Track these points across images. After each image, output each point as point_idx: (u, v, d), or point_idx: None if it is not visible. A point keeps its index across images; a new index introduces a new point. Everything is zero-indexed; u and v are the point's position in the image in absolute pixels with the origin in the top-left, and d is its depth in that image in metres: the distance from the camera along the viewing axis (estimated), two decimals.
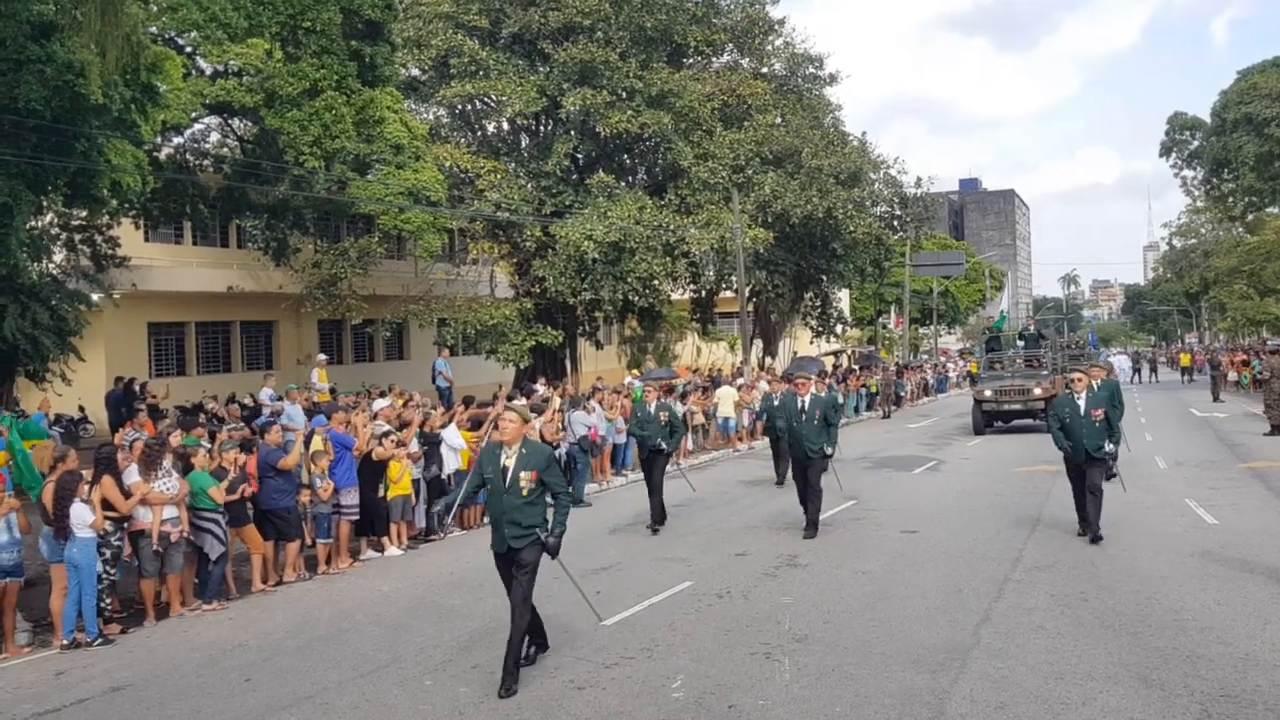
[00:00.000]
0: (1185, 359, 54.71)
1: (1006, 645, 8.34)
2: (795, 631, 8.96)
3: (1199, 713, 6.70)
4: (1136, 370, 57.79)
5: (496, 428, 15.91)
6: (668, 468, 15.38)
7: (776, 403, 19.18)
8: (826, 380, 27.58)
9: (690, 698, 7.35)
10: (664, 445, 14.90)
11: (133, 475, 10.27)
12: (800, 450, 13.62)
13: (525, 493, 7.80)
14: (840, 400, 20.16)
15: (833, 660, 8.10)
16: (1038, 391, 26.73)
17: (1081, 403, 12.50)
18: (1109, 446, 12.49)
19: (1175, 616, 9.01)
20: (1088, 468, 12.39)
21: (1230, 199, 49.59)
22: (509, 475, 7.83)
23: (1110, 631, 8.63)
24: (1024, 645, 8.32)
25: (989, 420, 27.87)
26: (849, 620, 9.30)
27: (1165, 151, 49.01)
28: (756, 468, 21.82)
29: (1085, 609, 9.35)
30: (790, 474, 15.22)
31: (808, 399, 13.74)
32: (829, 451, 13.56)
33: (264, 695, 7.81)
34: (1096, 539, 12.12)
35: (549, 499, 8.04)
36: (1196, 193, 52.01)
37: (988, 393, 27.92)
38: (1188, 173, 49.11)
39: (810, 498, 13.56)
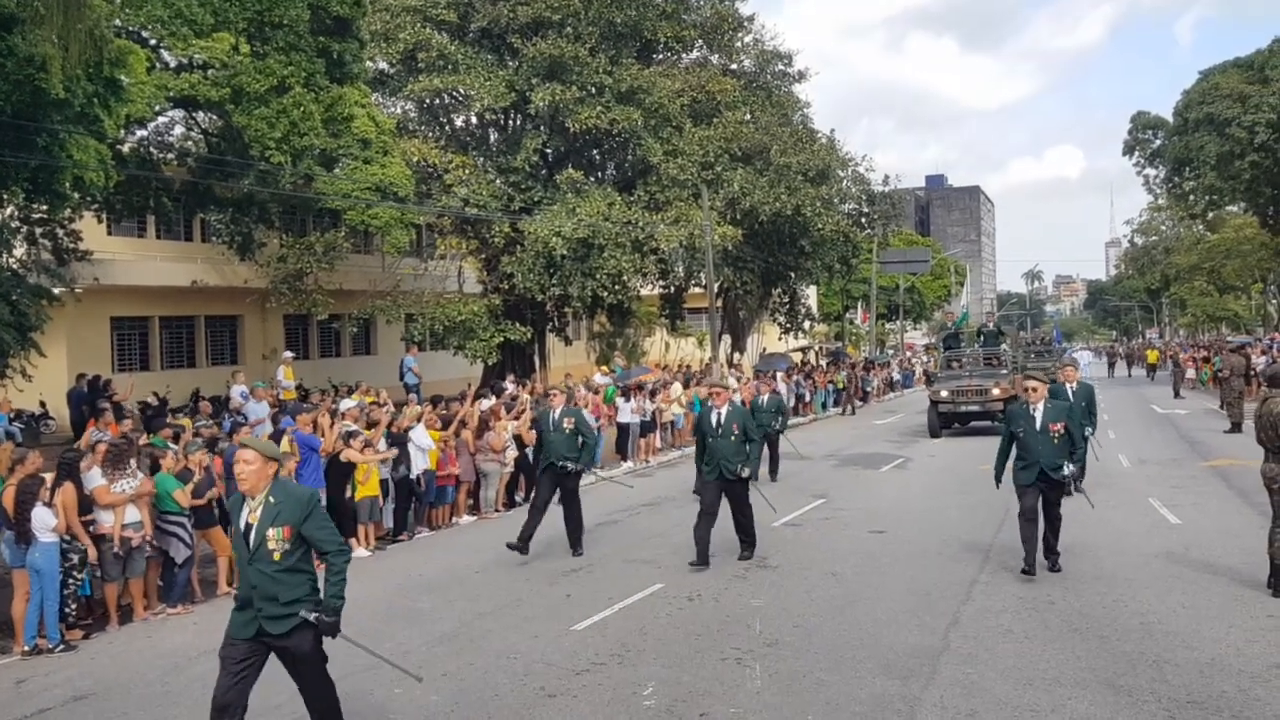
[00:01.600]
0: (1153, 356, 53.78)
1: (976, 650, 8.39)
2: (766, 636, 8.97)
3: (1165, 719, 6.76)
4: (1111, 365, 58.49)
5: (465, 425, 15.96)
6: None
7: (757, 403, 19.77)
8: (772, 383, 26.94)
9: (662, 705, 7.34)
10: (569, 466, 12.68)
11: (95, 480, 10.12)
12: (716, 471, 11.75)
13: (278, 556, 5.94)
14: (782, 403, 20.68)
15: (803, 665, 8.12)
16: (996, 392, 25.69)
17: (1038, 415, 10.77)
18: (1068, 468, 10.69)
19: (1141, 620, 9.10)
20: (1046, 492, 10.74)
21: (1191, 197, 50.16)
22: (253, 535, 5.97)
23: (1078, 635, 8.70)
24: (993, 650, 8.37)
25: (946, 422, 26.61)
26: (819, 624, 9.33)
27: (1129, 150, 49.49)
28: None
29: (1052, 612, 9.43)
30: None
31: (724, 411, 11.89)
32: (745, 474, 11.76)
33: None
34: (1055, 568, 10.80)
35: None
36: (1158, 191, 52.58)
37: (944, 393, 26.65)
38: (1150, 171, 49.63)
39: (739, 520, 12.06)
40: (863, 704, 7.22)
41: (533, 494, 13.59)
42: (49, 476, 9.82)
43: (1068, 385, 15.49)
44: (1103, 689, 7.37)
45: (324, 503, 12.81)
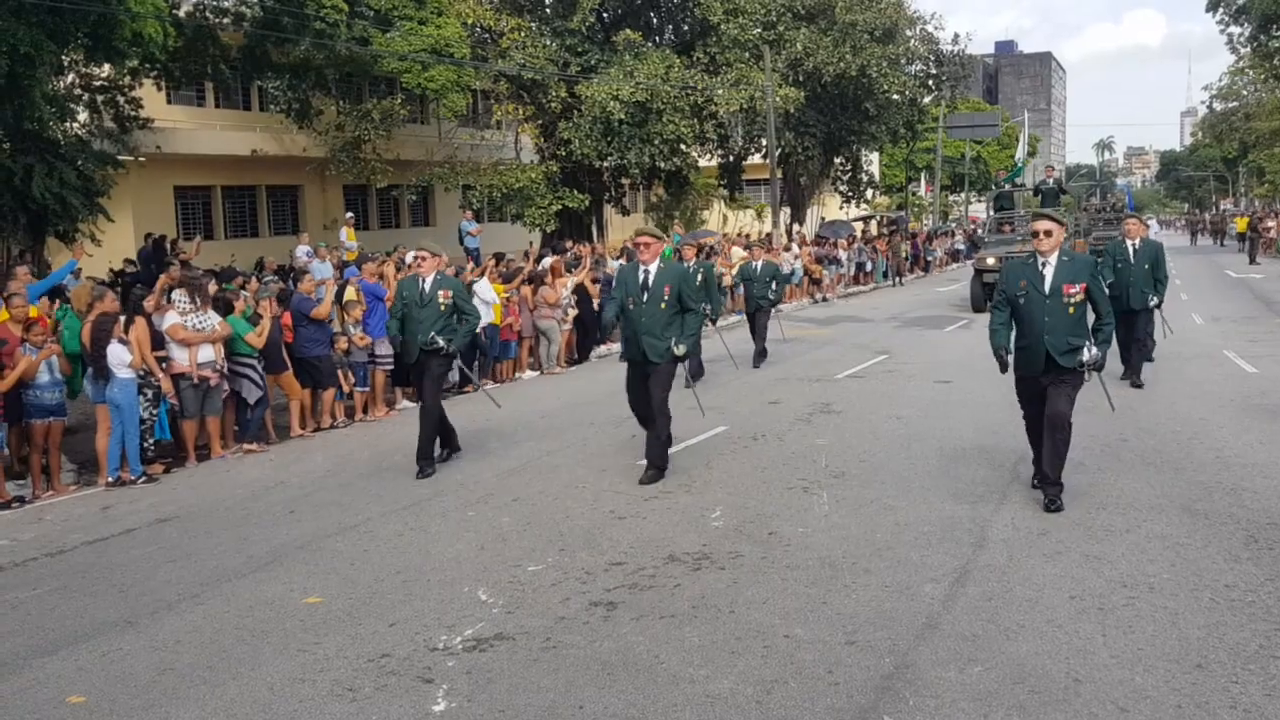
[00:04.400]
0: (1242, 224, 49.14)
1: None
2: (832, 469, 8.97)
3: (1245, 538, 6.67)
4: (1194, 235, 56.92)
5: (529, 282, 15.96)
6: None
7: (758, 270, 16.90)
8: (768, 247, 22.42)
9: (730, 525, 7.39)
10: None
11: (170, 319, 10.28)
12: (637, 349, 8.85)
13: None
14: (778, 271, 17.49)
15: (871, 494, 8.11)
16: None
17: (1049, 273, 7.47)
18: (1088, 353, 7.33)
19: (1217, 455, 8.95)
20: (1049, 386, 7.50)
21: (1277, 58, 47.75)
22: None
23: (1151, 469, 8.58)
24: (1065, 479, 8.26)
25: (991, 294, 23.95)
26: (885, 459, 9.30)
27: (1212, 7, 46.90)
28: (787, 327, 21.72)
29: (1125, 449, 9.30)
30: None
31: (653, 269, 8.87)
32: (679, 351, 8.81)
33: (309, 525, 7.92)
34: (1054, 505, 7.44)
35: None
36: (1243, 50, 50.05)
37: (990, 260, 22.76)
38: (1234, 29, 47.14)
39: (652, 418, 8.91)
40: (932, 525, 7.20)
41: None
42: (123, 318, 9.99)
43: (1128, 242, 12.86)
44: (1179, 513, 7.27)
45: (392, 352, 13.02)
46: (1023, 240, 22.61)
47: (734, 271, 20.02)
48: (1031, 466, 8.01)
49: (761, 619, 5.62)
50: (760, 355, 16.13)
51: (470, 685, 4.95)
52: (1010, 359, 7.73)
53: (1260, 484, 7.91)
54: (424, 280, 9.59)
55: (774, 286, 16.80)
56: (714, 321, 14.96)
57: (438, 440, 9.79)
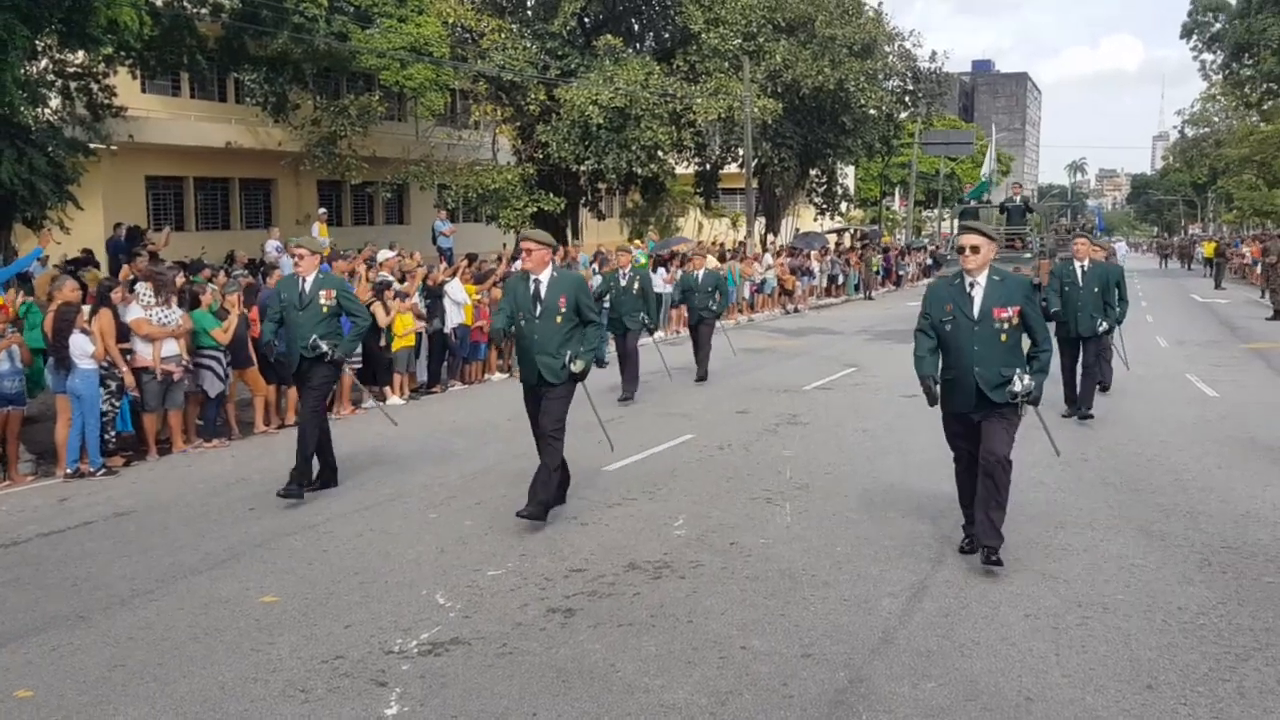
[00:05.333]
0: (1209, 248, 48.64)
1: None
2: (796, 480, 9.01)
3: (1199, 561, 6.74)
4: (1164, 259, 57.60)
5: (499, 284, 15.90)
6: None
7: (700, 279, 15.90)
8: (706, 256, 19.46)
9: (692, 535, 7.40)
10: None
11: (135, 311, 10.18)
12: (533, 371, 7.78)
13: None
14: (720, 281, 16.33)
15: (833, 506, 8.15)
16: None
17: (978, 295, 6.51)
18: (1019, 383, 6.38)
19: (1175, 477, 9.04)
20: (981, 422, 6.57)
21: (1248, 86, 48.50)
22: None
23: (1110, 488, 8.67)
24: (1025, 497, 8.32)
25: None
26: (850, 472, 9.35)
27: (1187, 33, 47.66)
28: (757, 337, 21.82)
29: (1085, 468, 9.39)
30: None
31: (545, 279, 7.71)
32: (576, 369, 7.72)
33: (269, 523, 7.86)
34: (992, 560, 6.48)
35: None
36: (1215, 77, 50.78)
37: None
38: (1207, 56, 47.89)
39: (543, 444, 7.80)
40: (893, 539, 7.24)
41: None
42: (86, 308, 9.88)
43: (1076, 263, 11.67)
44: (1136, 534, 7.35)
45: (358, 350, 12.91)
46: None
47: (673, 283, 19.12)
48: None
49: (719, 629, 5.63)
50: (704, 371, 15.15)
51: (424, 689, 4.93)
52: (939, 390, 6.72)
53: (1216, 508, 8.00)
54: (304, 280, 8.72)
55: (717, 298, 15.67)
56: (651, 333, 14.78)
57: (317, 467, 8.78)
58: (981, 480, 6.54)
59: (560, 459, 7.88)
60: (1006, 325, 6.47)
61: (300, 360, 8.64)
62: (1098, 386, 12.29)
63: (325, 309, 8.66)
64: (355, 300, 9.21)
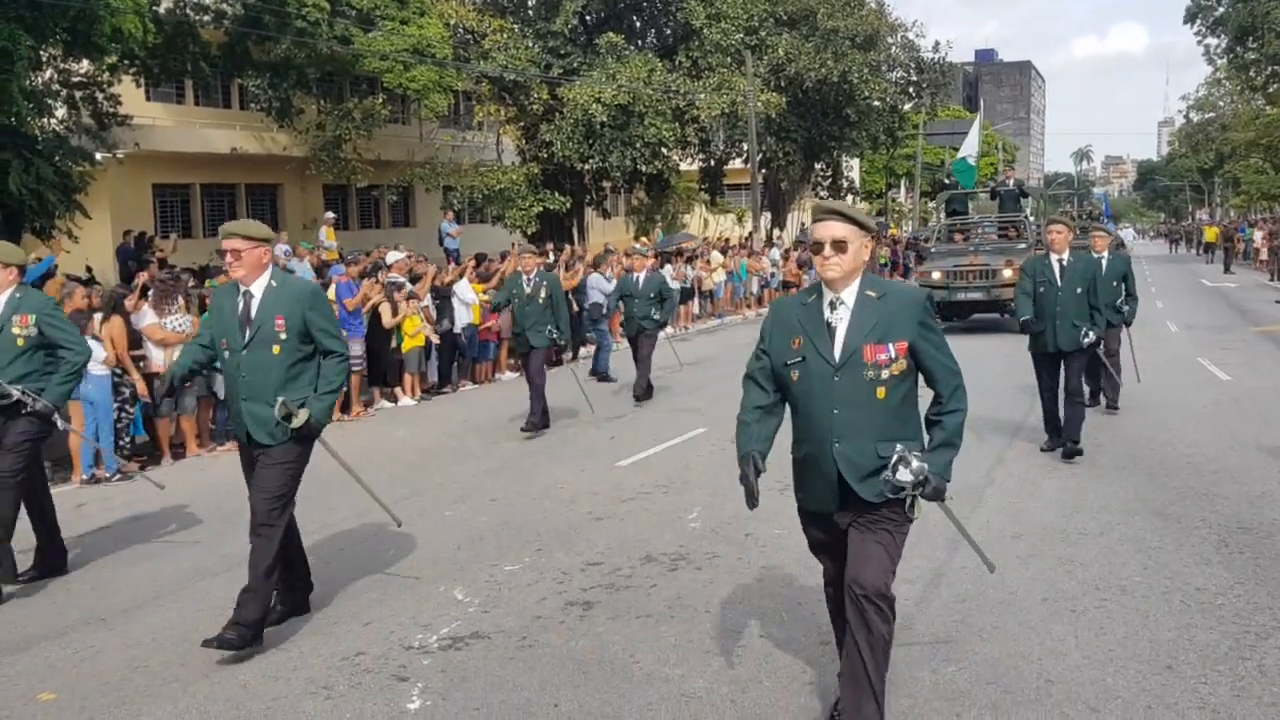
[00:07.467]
0: (1211, 233, 47.97)
1: (1020, 484, 8.38)
2: None
3: (1216, 542, 6.73)
4: (1174, 244, 57.90)
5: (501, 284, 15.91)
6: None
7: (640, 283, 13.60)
8: (649, 259, 15.76)
9: (707, 527, 7.41)
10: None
11: (146, 318, 10.23)
12: (238, 422, 5.85)
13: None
14: (664, 286, 13.79)
15: None
16: (1008, 274, 18.21)
17: (840, 324, 4.09)
18: (904, 469, 3.96)
19: (1189, 460, 9.02)
20: (849, 530, 4.26)
21: (1253, 69, 48.26)
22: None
23: (1124, 473, 8.65)
24: (1038, 484, 8.36)
25: (940, 315, 16.44)
26: None
27: (1190, 18, 47.35)
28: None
29: (1099, 453, 9.36)
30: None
31: (257, 292, 5.53)
32: (298, 423, 5.52)
33: None
34: None
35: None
36: (1219, 61, 50.55)
37: (935, 274, 19.70)
38: (1211, 40, 47.62)
39: (252, 535, 5.70)
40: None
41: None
42: (97, 317, 9.92)
43: (1053, 257, 9.28)
44: (1151, 516, 7.33)
45: (362, 352, 12.91)
46: (973, 251, 20.31)
47: (610, 286, 16.86)
48: None
49: (737, 619, 5.64)
50: (643, 387, 13.18)
51: (445, 683, 4.95)
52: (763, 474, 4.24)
53: (1231, 489, 7.99)
54: None
55: (660, 305, 13.37)
56: (561, 348, 12.90)
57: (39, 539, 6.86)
58: (850, 630, 4.09)
59: (274, 560, 5.50)
60: (886, 373, 4.02)
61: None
62: (1105, 407, 11.16)
63: (21, 341, 6.43)
64: (66, 326, 6.78)
